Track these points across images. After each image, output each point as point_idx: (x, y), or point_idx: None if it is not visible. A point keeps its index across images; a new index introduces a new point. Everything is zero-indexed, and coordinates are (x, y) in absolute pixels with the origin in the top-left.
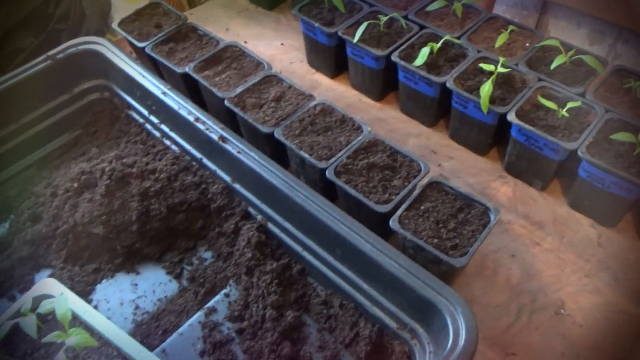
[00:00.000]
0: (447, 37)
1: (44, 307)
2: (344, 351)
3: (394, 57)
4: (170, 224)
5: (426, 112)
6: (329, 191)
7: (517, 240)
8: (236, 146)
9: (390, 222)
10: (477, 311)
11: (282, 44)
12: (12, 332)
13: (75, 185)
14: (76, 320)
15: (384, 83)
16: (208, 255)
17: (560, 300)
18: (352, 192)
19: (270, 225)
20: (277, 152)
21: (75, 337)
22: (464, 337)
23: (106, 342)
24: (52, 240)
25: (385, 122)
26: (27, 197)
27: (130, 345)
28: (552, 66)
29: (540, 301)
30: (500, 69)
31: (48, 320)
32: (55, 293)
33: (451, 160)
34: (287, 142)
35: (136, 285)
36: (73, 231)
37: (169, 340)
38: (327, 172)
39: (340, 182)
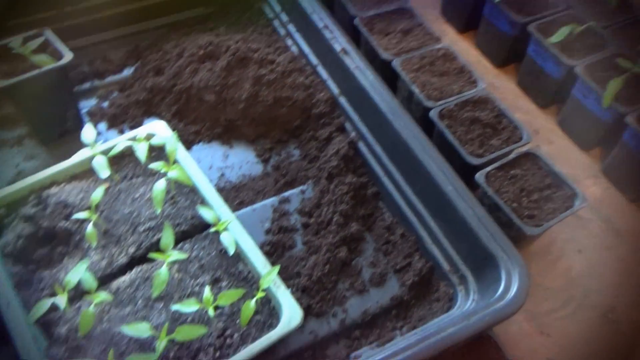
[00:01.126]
0: (591, 24)
1: (156, 140)
2: (392, 274)
3: (531, 28)
4: (272, 114)
5: (543, 92)
6: (426, 132)
7: (591, 238)
8: (355, 62)
9: (477, 175)
10: None
11: None
12: (122, 154)
13: (201, 52)
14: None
15: (509, 51)
16: (296, 152)
17: (612, 306)
18: (450, 137)
19: (361, 144)
20: (387, 81)
21: (176, 171)
22: (512, 293)
23: (194, 189)
24: (168, 95)
25: (498, 90)
26: (155, 51)
27: (214, 198)
28: None
29: (592, 299)
30: (637, 69)
31: (152, 156)
32: (162, 134)
33: (551, 144)
34: (402, 73)
35: (227, 156)
36: (188, 92)
37: (242, 211)
38: (431, 112)
39: (441, 125)
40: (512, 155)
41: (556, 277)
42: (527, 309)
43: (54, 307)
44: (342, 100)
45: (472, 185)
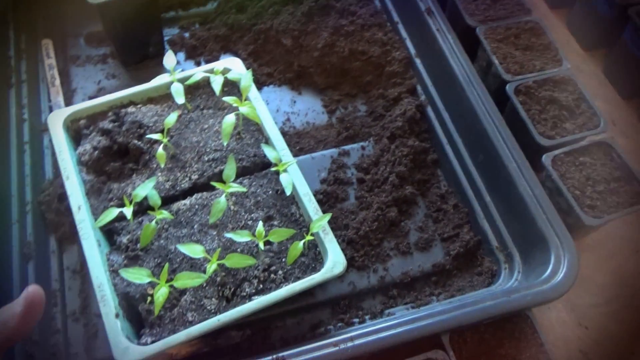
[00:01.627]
0: None
1: (232, 75)
2: (437, 242)
3: (631, 11)
4: (345, 66)
5: (630, 82)
6: (498, 106)
7: None
8: (438, 23)
9: (544, 156)
10: None
11: None
12: (197, 84)
13: None
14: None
15: (603, 35)
16: (363, 108)
17: None
18: (523, 114)
19: (429, 109)
20: (467, 47)
21: (247, 108)
22: (558, 279)
23: (260, 128)
24: (247, 33)
25: (582, 73)
26: None
27: (278, 139)
28: None
29: (639, 301)
30: None
31: (224, 91)
32: (238, 70)
33: (627, 138)
34: (484, 42)
35: (295, 102)
36: (267, 33)
37: (301, 157)
38: (508, 86)
39: (515, 100)
40: (584, 142)
41: (606, 273)
42: (569, 299)
43: (119, 217)
44: (418, 61)
45: (536, 166)
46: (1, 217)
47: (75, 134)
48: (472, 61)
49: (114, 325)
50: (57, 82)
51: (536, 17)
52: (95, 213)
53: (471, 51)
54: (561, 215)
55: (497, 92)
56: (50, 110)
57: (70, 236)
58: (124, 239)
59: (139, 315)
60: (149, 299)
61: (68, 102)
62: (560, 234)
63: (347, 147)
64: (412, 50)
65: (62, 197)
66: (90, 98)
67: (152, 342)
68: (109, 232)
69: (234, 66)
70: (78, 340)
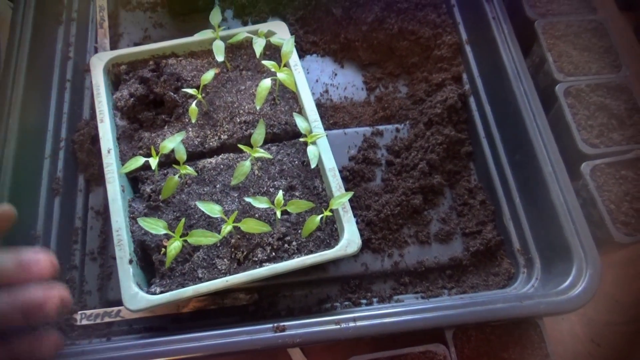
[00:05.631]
0: None
1: (275, 39)
2: (458, 236)
3: None
4: (392, 44)
5: None
6: (544, 105)
7: None
8: (495, 11)
9: (584, 164)
10: None
11: None
12: (240, 44)
13: None
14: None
15: None
16: (404, 89)
17: None
18: (569, 117)
19: (472, 100)
20: (522, 40)
21: (285, 74)
22: (576, 292)
23: (296, 97)
24: None
25: None
26: None
27: (312, 110)
28: None
29: None
30: None
31: (266, 54)
32: (282, 35)
33: None
34: (541, 37)
35: (336, 75)
36: (318, 0)
37: (333, 131)
38: (558, 86)
39: (564, 102)
40: (629, 155)
41: (629, 293)
42: (585, 313)
43: (145, 166)
44: (468, 48)
45: (574, 173)
46: (35, 149)
47: (116, 79)
48: (525, 56)
49: (127, 270)
50: (106, 24)
51: (601, 17)
52: (124, 159)
53: (526, 45)
54: (591, 228)
55: (545, 91)
56: (96, 51)
57: (97, 178)
58: (148, 189)
59: (152, 265)
60: (163, 250)
61: (114, 45)
62: (586, 247)
63: (381, 127)
64: (464, 36)
65: (96, 138)
66: (136, 44)
67: (161, 292)
68: (135, 180)
69: (279, 30)
70: (93, 279)
